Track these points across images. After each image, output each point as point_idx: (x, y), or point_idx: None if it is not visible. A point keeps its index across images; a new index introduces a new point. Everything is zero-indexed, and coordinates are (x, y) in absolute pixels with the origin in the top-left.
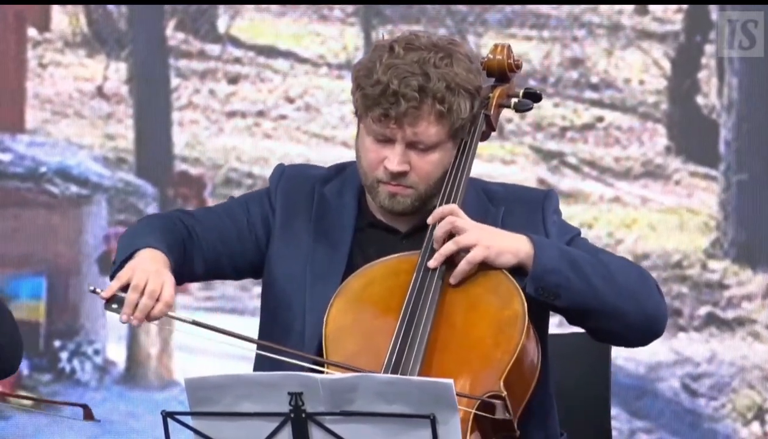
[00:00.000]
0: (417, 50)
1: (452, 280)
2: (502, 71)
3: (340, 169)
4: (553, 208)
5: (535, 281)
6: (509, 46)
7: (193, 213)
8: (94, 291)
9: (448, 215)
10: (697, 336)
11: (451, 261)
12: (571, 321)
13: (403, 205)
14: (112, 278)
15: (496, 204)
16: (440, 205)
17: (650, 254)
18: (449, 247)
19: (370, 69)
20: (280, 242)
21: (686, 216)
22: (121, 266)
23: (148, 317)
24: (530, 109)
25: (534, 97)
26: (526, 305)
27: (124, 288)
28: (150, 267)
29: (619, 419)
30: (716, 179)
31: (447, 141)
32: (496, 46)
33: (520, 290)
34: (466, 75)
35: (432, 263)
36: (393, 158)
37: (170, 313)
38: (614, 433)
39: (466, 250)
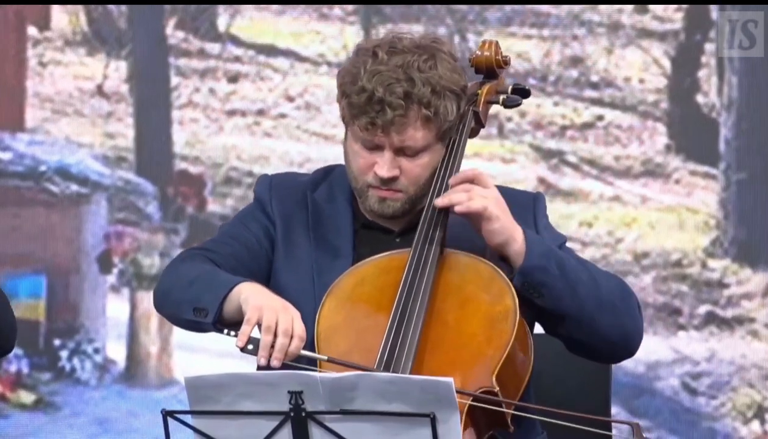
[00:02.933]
0: (400, 53)
1: (438, 202)
2: (491, 68)
3: (327, 172)
4: (543, 212)
5: (523, 276)
6: (497, 43)
7: (205, 247)
8: (228, 334)
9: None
10: (697, 335)
11: (444, 257)
12: (547, 326)
13: (393, 209)
14: (214, 324)
15: None
16: (430, 203)
17: (650, 253)
18: (460, 188)
19: (355, 76)
20: (283, 253)
21: (686, 215)
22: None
23: (285, 355)
24: (519, 104)
25: (522, 92)
26: (517, 300)
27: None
28: (275, 303)
29: (618, 417)
30: (716, 178)
31: (435, 143)
32: (483, 42)
33: (512, 286)
34: (451, 75)
35: (439, 201)
36: (383, 165)
37: (303, 351)
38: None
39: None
